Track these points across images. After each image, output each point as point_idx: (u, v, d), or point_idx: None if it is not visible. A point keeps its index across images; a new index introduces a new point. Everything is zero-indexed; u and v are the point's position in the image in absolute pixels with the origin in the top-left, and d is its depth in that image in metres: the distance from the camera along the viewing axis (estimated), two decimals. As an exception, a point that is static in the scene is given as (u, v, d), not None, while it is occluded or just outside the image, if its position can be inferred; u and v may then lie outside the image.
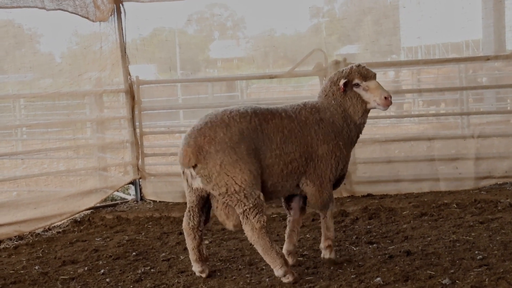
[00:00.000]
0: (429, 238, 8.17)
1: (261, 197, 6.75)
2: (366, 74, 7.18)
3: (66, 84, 11.85)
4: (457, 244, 7.79)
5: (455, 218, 9.24)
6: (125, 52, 11.66)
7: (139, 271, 7.68)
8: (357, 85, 7.15)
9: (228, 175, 6.59)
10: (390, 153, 12.19)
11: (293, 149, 6.90)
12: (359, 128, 7.38)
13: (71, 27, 13.19)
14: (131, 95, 11.68)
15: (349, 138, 7.33)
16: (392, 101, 7.16)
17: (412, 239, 8.22)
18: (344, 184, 11.13)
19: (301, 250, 8.15)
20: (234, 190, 6.63)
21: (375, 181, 11.53)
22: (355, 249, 8.00)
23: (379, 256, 7.53)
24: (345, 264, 7.31)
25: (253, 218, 6.74)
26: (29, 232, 9.94)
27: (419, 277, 6.62)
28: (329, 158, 7.12)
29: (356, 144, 10.48)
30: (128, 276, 7.52)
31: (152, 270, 7.71)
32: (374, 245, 8.11)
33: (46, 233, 10.07)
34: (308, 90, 22.30)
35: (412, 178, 11.47)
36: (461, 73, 19.73)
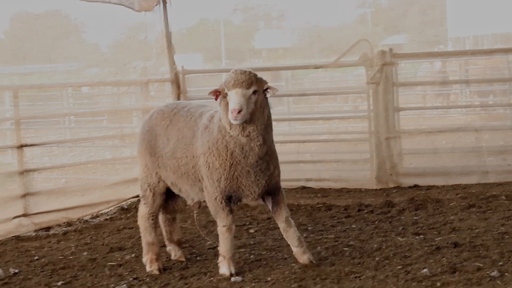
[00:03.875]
0: (477, 230, 8.09)
1: (150, 189, 7.33)
2: (229, 82, 6.37)
3: (111, 74, 11.96)
4: (506, 237, 7.68)
5: (504, 210, 9.13)
6: (171, 42, 11.71)
7: (186, 259, 7.73)
8: (226, 93, 6.43)
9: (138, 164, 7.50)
10: (437, 144, 12.11)
11: (181, 154, 6.99)
12: (248, 145, 6.48)
13: (117, 17, 13.29)
14: (177, 84, 11.73)
15: (231, 154, 6.58)
16: (240, 115, 6.21)
17: (459, 231, 8.15)
18: (391, 174, 11.12)
19: (346, 240, 8.13)
20: (139, 177, 7.49)
21: (421, 172, 11.46)
22: (401, 240, 7.95)
23: (426, 248, 7.47)
24: (391, 255, 7.29)
25: (140, 205, 7.50)
26: (78, 219, 10.08)
27: (467, 269, 6.55)
28: (205, 169, 6.77)
29: (401, 135, 10.43)
30: (174, 264, 7.58)
31: (198, 258, 7.76)
32: (421, 236, 8.06)
33: (94, 220, 10.19)
34: (354, 80, 22.20)
35: (459, 169, 11.38)
36: (510, 64, 19.49)
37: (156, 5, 11.55)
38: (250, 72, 6.42)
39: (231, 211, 6.87)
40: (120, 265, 7.61)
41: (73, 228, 9.71)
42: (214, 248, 8.09)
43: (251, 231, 8.94)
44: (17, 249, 8.68)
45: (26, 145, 9.95)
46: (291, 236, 7.03)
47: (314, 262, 6.99)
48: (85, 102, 19.74)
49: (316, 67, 12.71)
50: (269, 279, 6.78)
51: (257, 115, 6.39)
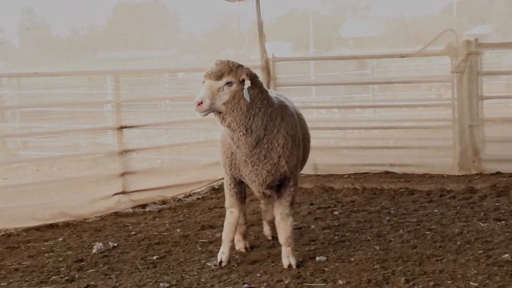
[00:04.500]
0: (560, 217, 7.88)
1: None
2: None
3: (206, 60, 12.04)
4: None
5: None
6: (262, 31, 11.72)
7: (272, 238, 7.76)
8: None
9: None
10: (521, 132, 11.81)
11: None
12: (235, 135, 6.24)
13: (211, 6, 13.36)
14: (267, 71, 11.75)
15: (229, 144, 6.43)
16: (200, 107, 5.96)
17: (541, 218, 7.96)
18: (473, 161, 10.90)
19: (428, 224, 8.03)
20: None
21: (504, 159, 11.19)
22: (482, 225, 7.81)
23: (507, 233, 7.32)
24: (472, 239, 7.15)
25: None
26: (172, 197, 10.20)
27: (548, 255, 6.40)
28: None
29: (485, 123, 10.18)
30: (262, 242, 7.61)
31: (283, 237, 7.76)
32: (503, 222, 7.89)
33: (187, 198, 10.30)
34: (438, 69, 21.84)
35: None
36: None
37: (249, -5, 11.57)
38: (225, 63, 6.16)
39: (238, 196, 6.78)
40: (211, 242, 7.67)
41: (167, 206, 9.84)
42: (300, 228, 8.11)
43: (335, 213, 8.91)
44: (115, 224, 8.86)
45: (125, 127, 10.11)
46: (280, 232, 6.64)
47: (293, 266, 6.55)
48: (180, 87, 19.93)
49: (402, 56, 12.51)
50: (352, 259, 6.75)
51: (231, 107, 6.07)
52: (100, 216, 9.31)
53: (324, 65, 21.56)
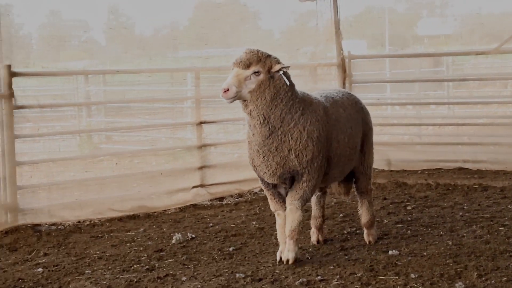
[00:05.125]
0: None
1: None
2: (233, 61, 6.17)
3: (284, 58, 12.03)
4: None
5: None
6: (339, 29, 11.68)
7: (345, 232, 7.74)
8: None
9: None
10: None
11: None
12: (252, 123, 6.22)
13: (289, 4, 13.35)
14: (343, 68, 11.71)
15: (248, 132, 6.40)
16: (226, 94, 5.96)
17: None
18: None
19: (502, 220, 7.90)
20: None
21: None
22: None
23: None
24: None
25: None
26: (248, 191, 10.26)
27: None
28: None
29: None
30: (336, 236, 7.59)
31: (357, 231, 7.73)
32: None
33: (262, 192, 10.24)
34: (514, 67, 21.40)
35: None
36: None
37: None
38: (253, 52, 6.12)
39: (277, 199, 6.63)
40: (286, 235, 7.67)
41: (244, 199, 9.90)
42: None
43: (408, 208, 8.83)
44: (194, 216, 8.96)
45: (204, 122, 10.22)
46: (287, 223, 6.50)
47: (289, 262, 6.46)
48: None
49: (478, 53, 12.33)
50: (425, 253, 6.67)
51: (255, 95, 6.06)
52: (179, 208, 9.42)
53: (399, 63, 21.33)
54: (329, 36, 11.83)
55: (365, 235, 7.26)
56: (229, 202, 9.78)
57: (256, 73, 6.06)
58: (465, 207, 8.72)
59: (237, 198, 9.94)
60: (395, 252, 6.76)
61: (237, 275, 6.27)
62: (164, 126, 14.61)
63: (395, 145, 12.13)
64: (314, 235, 7.35)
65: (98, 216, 8.81)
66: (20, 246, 7.65)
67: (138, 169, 10.41)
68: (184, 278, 6.26)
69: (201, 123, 10.17)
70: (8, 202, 8.29)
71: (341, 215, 8.54)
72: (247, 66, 6.05)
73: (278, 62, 6.19)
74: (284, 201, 6.56)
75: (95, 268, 6.71)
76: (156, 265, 6.74)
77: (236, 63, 6.08)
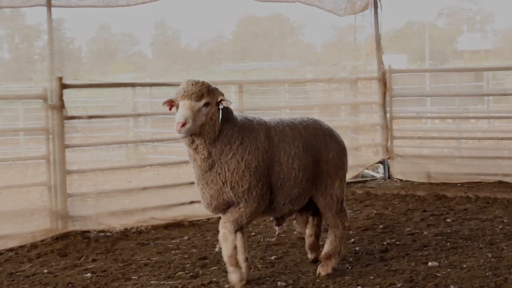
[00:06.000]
0: None
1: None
2: (179, 93, 5.66)
3: (324, 71, 12.06)
4: None
5: None
6: (380, 43, 11.66)
7: (385, 243, 7.69)
8: (178, 104, 5.73)
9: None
10: None
11: None
12: (194, 157, 5.82)
13: (330, 20, 13.35)
14: (383, 82, 11.68)
15: (192, 163, 5.94)
16: (184, 128, 5.48)
17: None
18: None
19: (540, 234, 7.79)
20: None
21: None
22: None
23: None
24: None
25: None
26: (289, 201, 10.24)
27: None
28: None
29: None
30: (376, 246, 7.55)
31: (397, 242, 7.69)
32: None
33: (303, 203, 10.32)
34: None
35: None
36: None
37: (365, 9, 11.55)
38: (203, 84, 5.67)
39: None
40: (326, 245, 7.67)
41: (285, 209, 9.89)
42: (413, 234, 8.01)
43: (448, 220, 8.75)
44: (237, 225, 8.98)
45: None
46: (223, 253, 6.09)
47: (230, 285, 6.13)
48: (299, 96, 20.02)
49: (518, 68, 12.17)
50: (464, 266, 6.61)
51: (207, 128, 5.64)
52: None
53: (439, 77, 21.20)
54: (369, 50, 11.82)
55: (319, 266, 6.58)
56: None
57: (206, 105, 5.62)
58: (505, 220, 8.62)
59: (278, 208, 9.93)
60: (435, 263, 6.71)
61: (279, 283, 6.28)
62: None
63: (435, 158, 12.05)
64: (308, 254, 6.97)
65: (142, 224, 8.89)
66: (70, 252, 7.76)
67: (182, 179, 10.46)
68: (227, 286, 6.29)
69: (244, 134, 10.18)
70: (58, 209, 8.41)
71: (381, 226, 8.50)
72: (200, 97, 5.60)
73: (222, 94, 5.76)
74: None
75: (141, 274, 6.78)
76: (200, 272, 6.78)
77: (187, 95, 5.59)
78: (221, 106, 5.68)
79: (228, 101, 5.70)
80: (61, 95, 8.39)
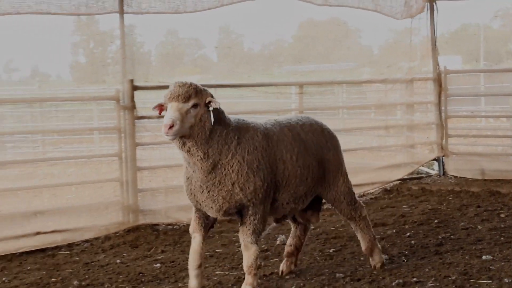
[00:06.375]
0: None
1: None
2: (166, 95, 5.34)
3: (379, 73, 11.99)
4: None
5: None
6: (435, 45, 11.53)
7: (440, 237, 7.61)
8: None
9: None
10: None
11: None
12: (191, 160, 5.47)
13: (387, 23, 13.27)
14: (439, 82, 11.54)
15: (186, 168, 5.67)
16: (172, 130, 5.14)
17: None
18: None
19: None
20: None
21: None
22: None
23: None
24: None
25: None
26: (348, 197, 10.21)
27: None
28: None
29: None
30: (431, 240, 7.47)
31: (451, 236, 7.60)
32: None
33: (360, 198, 10.23)
34: None
35: None
36: None
37: (421, 12, 11.44)
38: (190, 85, 5.34)
39: (201, 221, 5.79)
40: (383, 239, 7.62)
41: (343, 204, 9.85)
42: (467, 228, 7.91)
43: (502, 215, 8.60)
44: (297, 219, 8.99)
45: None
46: (244, 260, 5.73)
47: None
48: (356, 96, 19.91)
49: None
50: (518, 260, 6.50)
51: (197, 130, 5.31)
52: (284, 211, 9.47)
53: (493, 77, 20.79)
54: (425, 52, 11.71)
55: (371, 260, 6.52)
56: (329, 207, 9.72)
57: (195, 106, 5.30)
58: None
59: (337, 204, 9.90)
60: (489, 257, 6.60)
61: (337, 275, 6.28)
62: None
63: (488, 155, 11.85)
64: (282, 263, 6.55)
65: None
66: (141, 244, 7.89)
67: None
68: (288, 277, 6.32)
69: (304, 133, 10.22)
70: (130, 204, 8.56)
71: (436, 221, 8.40)
72: (187, 99, 5.27)
73: (211, 95, 5.45)
74: (205, 227, 5.83)
75: (207, 265, 6.84)
76: (262, 263, 6.79)
77: (174, 96, 5.27)
78: (211, 108, 5.36)
79: (216, 102, 5.38)
80: (132, 96, 8.54)
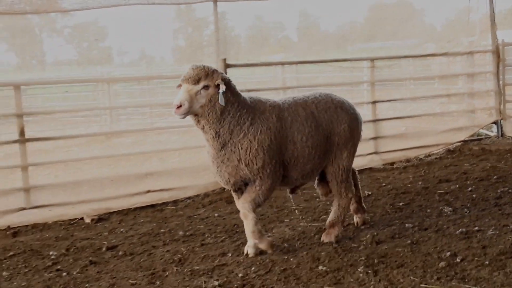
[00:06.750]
0: None
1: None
2: (181, 77, 5.24)
3: (442, 47, 11.69)
4: None
5: None
6: (494, 21, 11.13)
7: (499, 191, 7.38)
8: None
9: None
10: None
11: None
12: (205, 137, 5.37)
13: (449, 1, 12.84)
14: (497, 54, 11.15)
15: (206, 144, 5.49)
16: (179, 110, 5.06)
17: None
18: None
19: None
20: None
21: None
22: None
23: None
24: None
25: None
26: (414, 157, 10.02)
27: None
28: None
29: None
30: (490, 194, 7.26)
31: (509, 190, 7.36)
32: None
33: (426, 158, 10.08)
34: None
35: None
36: None
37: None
38: (202, 68, 5.19)
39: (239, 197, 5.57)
40: (447, 193, 7.47)
41: (410, 164, 9.69)
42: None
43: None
44: (370, 177, 8.89)
45: (377, 101, 10.15)
46: (245, 229, 5.54)
47: (249, 255, 5.50)
48: (420, 69, 19.44)
49: None
50: None
51: (207, 110, 5.17)
52: (357, 170, 9.35)
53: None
54: (484, 27, 11.34)
55: (323, 234, 5.95)
56: (398, 166, 9.61)
57: (206, 87, 5.16)
58: None
59: (405, 163, 9.74)
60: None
61: (406, 225, 6.19)
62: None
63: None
64: (354, 217, 6.36)
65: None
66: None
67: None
68: (363, 227, 6.27)
69: (374, 102, 10.08)
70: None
71: (495, 177, 8.15)
72: (197, 81, 5.15)
73: (223, 78, 5.24)
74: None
75: (292, 217, 6.86)
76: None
77: (185, 79, 5.17)
78: (221, 90, 5.15)
79: (222, 86, 5.16)
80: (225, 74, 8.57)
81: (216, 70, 5.25)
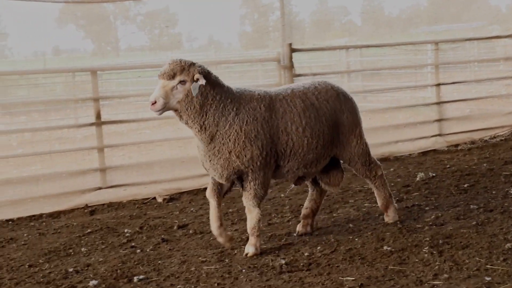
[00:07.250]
0: None
1: None
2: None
3: (507, 29, 11.32)
4: None
5: None
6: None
7: None
8: None
9: None
10: None
11: None
12: (193, 131, 5.08)
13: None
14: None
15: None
16: (154, 106, 4.81)
17: None
18: None
19: None
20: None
21: None
22: None
23: None
24: None
25: None
26: (479, 139, 9.73)
27: None
28: None
29: None
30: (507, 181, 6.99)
31: None
32: None
33: (491, 140, 9.76)
34: None
35: None
36: None
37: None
38: (177, 63, 4.91)
39: (215, 188, 5.29)
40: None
41: (475, 146, 9.41)
42: None
43: None
44: (434, 159, 8.69)
45: (442, 84, 9.90)
46: (247, 222, 5.26)
47: (249, 255, 5.16)
48: (485, 51, 18.85)
49: None
50: None
51: (185, 105, 4.89)
52: (421, 152, 9.18)
53: None
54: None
55: (385, 216, 5.83)
56: (463, 148, 9.35)
57: (182, 82, 4.87)
58: None
59: (470, 145, 9.47)
60: None
61: (471, 206, 6.01)
62: (407, 88, 14.40)
63: None
64: (299, 225, 5.82)
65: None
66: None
67: (387, 122, 10.28)
68: (427, 208, 6.13)
69: (439, 84, 9.82)
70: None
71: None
72: (172, 76, 4.87)
73: (200, 72, 4.93)
74: (219, 192, 5.32)
75: (357, 198, 6.78)
76: (404, 197, 6.65)
77: (161, 75, 4.91)
78: (200, 83, 4.88)
79: (202, 79, 4.89)
80: (290, 58, 8.51)
81: (193, 63, 4.98)
